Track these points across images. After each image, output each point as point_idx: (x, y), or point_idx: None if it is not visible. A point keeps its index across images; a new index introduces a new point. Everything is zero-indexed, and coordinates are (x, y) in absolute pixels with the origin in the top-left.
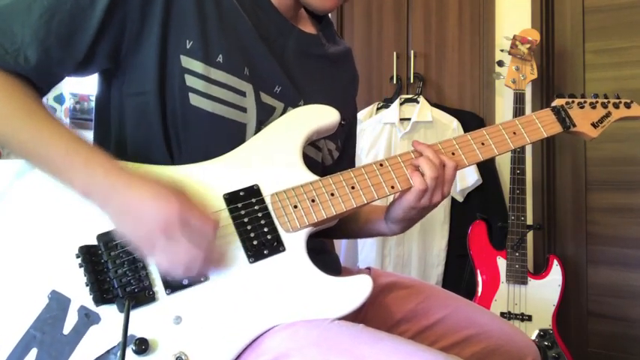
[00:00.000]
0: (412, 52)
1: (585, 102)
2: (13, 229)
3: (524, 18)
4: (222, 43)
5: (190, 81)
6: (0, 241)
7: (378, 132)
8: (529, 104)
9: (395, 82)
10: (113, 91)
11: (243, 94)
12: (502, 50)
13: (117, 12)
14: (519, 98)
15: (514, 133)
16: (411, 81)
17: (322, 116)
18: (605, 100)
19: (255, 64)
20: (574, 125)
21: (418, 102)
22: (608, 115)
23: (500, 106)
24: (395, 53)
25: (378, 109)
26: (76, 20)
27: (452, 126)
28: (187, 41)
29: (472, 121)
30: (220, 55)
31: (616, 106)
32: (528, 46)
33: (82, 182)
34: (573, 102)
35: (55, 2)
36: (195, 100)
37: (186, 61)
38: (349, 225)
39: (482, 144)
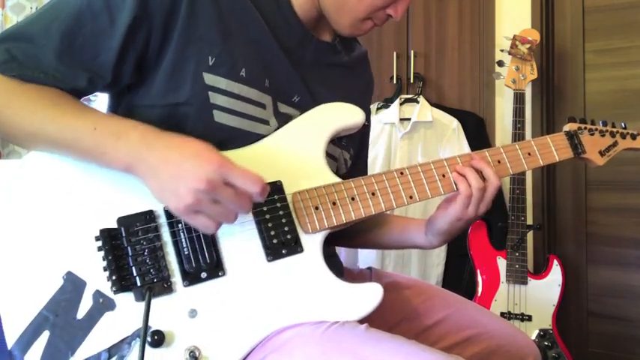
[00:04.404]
0: (412, 52)
1: (596, 129)
2: (33, 207)
3: (524, 18)
4: (245, 56)
5: (214, 98)
6: (19, 219)
7: (378, 132)
8: (529, 104)
9: (395, 82)
10: (123, 104)
11: (263, 106)
12: (502, 50)
13: (139, 31)
14: (519, 98)
15: (529, 154)
16: (411, 81)
17: (348, 114)
18: (614, 130)
19: (276, 75)
20: (584, 152)
21: (418, 102)
22: (614, 144)
23: (500, 106)
24: (395, 53)
25: (378, 109)
26: (97, 41)
27: (452, 126)
28: (210, 58)
29: (472, 121)
30: (244, 69)
31: (623, 136)
32: (528, 46)
33: (116, 152)
34: (585, 128)
35: (73, 23)
36: (219, 116)
37: (210, 79)
38: (381, 236)
39: (499, 162)
